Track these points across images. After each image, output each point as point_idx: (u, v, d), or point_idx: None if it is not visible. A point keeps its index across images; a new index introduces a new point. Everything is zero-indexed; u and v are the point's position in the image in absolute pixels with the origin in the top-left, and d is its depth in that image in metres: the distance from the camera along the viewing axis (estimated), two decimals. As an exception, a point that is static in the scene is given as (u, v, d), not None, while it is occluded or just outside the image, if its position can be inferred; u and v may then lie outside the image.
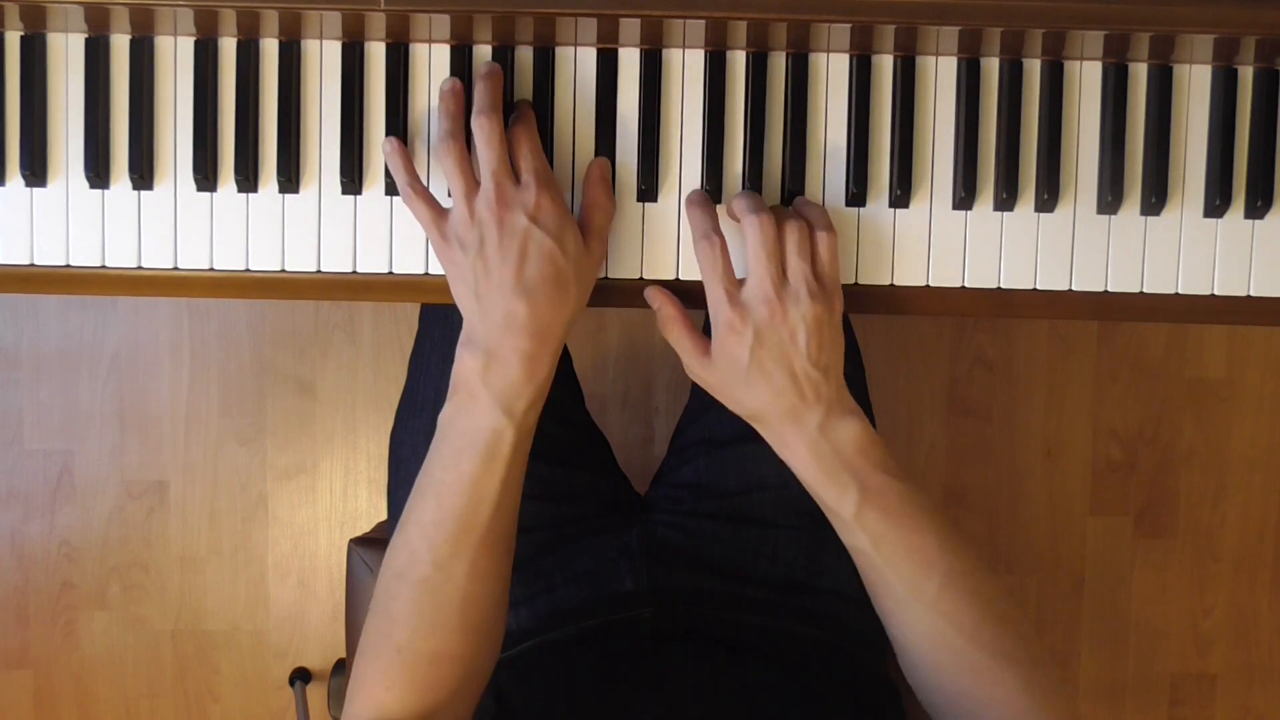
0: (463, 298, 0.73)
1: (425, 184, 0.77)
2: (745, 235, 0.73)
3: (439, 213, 0.74)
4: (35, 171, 0.78)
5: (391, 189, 0.79)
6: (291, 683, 1.73)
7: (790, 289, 0.73)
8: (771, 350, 0.72)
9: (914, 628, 0.73)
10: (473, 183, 0.73)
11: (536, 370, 0.71)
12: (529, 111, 0.76)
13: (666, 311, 0.77)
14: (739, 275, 0.75)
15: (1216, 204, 0.80)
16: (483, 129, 0.73)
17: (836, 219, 0.79)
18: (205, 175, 0.78)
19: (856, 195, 0.79)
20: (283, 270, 0.79)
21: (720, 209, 0.78)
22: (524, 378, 0.71)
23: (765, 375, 0.73)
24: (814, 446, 0.73)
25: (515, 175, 0.73)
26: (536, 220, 0.71)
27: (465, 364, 0.72)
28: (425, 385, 0.99)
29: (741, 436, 0.93)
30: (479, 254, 0.71)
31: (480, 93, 0.74)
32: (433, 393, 0.98)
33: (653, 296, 0.78)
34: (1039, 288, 0.81)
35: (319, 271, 0.80)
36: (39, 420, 1.71)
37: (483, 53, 0.79)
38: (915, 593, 0.72)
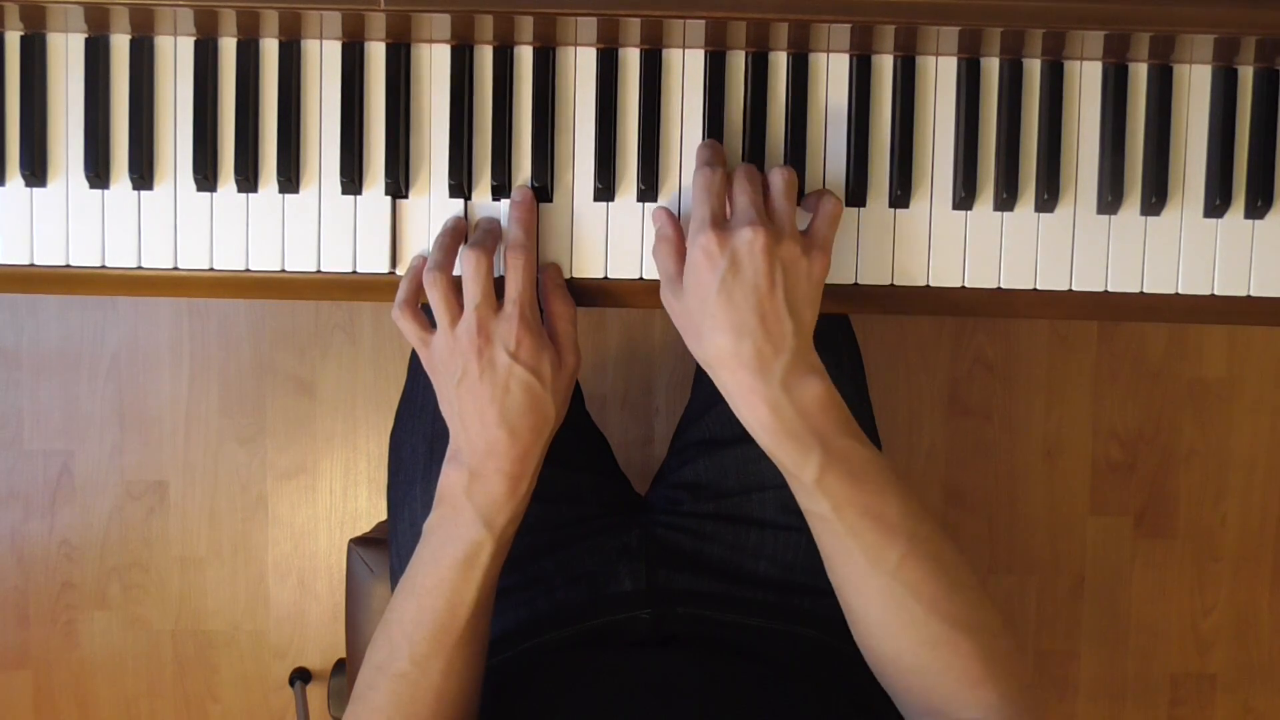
0: (449, 417, 0.76)
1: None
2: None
3: (426, 330, 0.76)
4: (35, 171, 0.78)
5: (391, 189, 0.79)
6: (291, 683, 1.73)
7: (775, 226, 0.72)
8: (744, 282, 0.70)
9: (874, 598, 0.71)
10: (457, 311, 0.75)
11: (518, 487, 0.75)
12: (528, 243, 0.76)
13: (665, 232, 0.76)
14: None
15: (1216, 204, 0.80)
16: (469, 262, 0.74)
17: (836, 219, 0.79)
18: (205, 175, 0.78)
19: (856, 195, 0.79)
20: (283, 270, 0.80)
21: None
22: (507, 494, 0.74)
23: (732, 308, 0.70)
24: (775, 403, 0.70)
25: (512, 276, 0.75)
26: (516, 356, 0.73)
27: (450, 478, 0.75)
28: (425, 386, 0.99)
29: (742, 437, 0.92)
30: (462, 384, 0.74)
31: (477, 234, 0.77)
32: (433, 394, 0.98)
33: (659, 217, 0.77)
34: (1039, 288, 0.81)
35: (319, 271, 0.80)
36: (39, 420, 1.71)
37: (483, 53, 0.79)
38: (877, 561, 0.70)
